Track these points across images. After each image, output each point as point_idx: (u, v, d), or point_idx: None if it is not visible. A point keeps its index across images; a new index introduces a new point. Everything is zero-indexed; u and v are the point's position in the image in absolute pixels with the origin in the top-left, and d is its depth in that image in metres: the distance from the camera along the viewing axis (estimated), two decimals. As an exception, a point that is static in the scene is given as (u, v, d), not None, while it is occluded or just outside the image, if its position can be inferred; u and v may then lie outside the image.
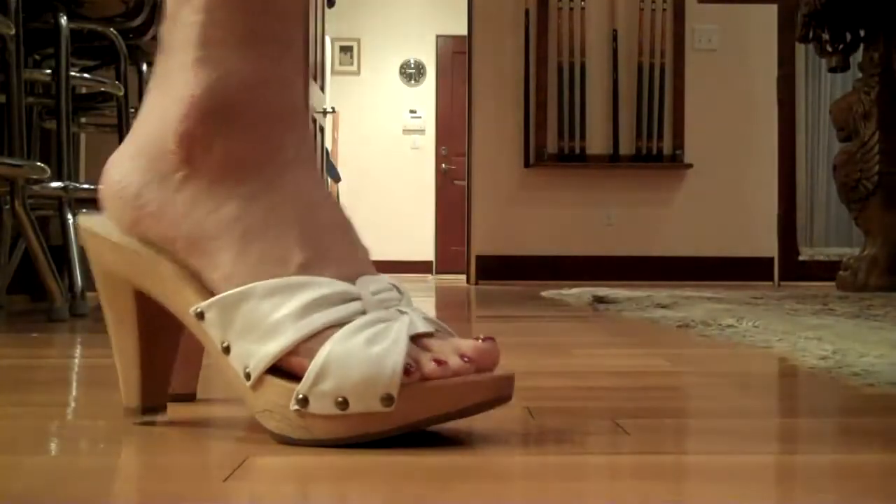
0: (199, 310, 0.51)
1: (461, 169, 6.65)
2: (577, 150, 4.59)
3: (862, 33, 3.08)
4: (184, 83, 0.53)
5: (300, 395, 0.48)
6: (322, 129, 5.22)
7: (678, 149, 4.61)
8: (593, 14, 4.64)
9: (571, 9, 4.62)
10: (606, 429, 0.55)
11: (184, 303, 0.53)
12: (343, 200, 7.64)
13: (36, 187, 1.77)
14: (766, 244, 4.57)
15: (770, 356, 0.99)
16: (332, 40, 7.43)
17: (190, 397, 0.63)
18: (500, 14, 4.62)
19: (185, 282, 0.53)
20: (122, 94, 2.11)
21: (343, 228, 0.55)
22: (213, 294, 0.52)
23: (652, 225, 4.63)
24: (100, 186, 0.56)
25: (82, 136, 3.56)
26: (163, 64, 0.55)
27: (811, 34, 3.12)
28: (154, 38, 2.18)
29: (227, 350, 0.51)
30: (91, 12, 2.03)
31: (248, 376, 0.50)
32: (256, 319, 0.50)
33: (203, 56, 0.53)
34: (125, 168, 0.55)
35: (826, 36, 3.11)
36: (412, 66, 7.97)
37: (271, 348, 0.49)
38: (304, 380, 0.49)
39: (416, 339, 0.50)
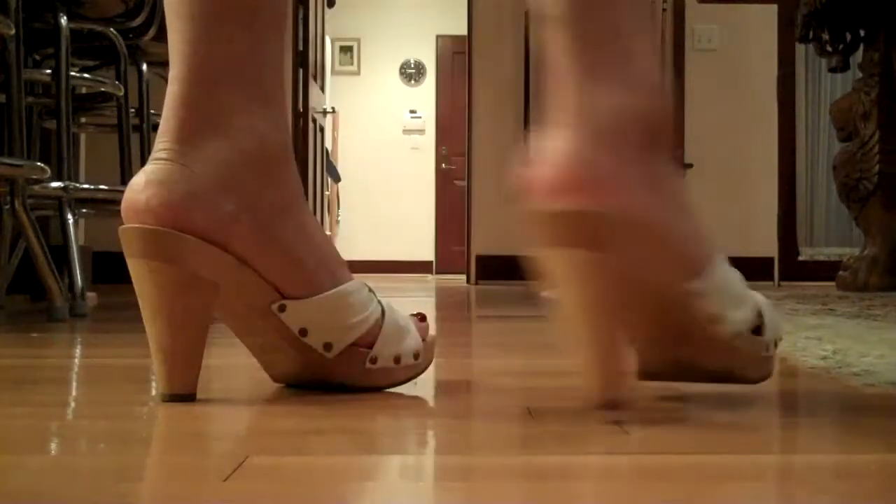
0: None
1: (461, 169, 6.65)
2: (577, 150, 4.58)
3: (862, 33, 3.09)
4: (647, 71, 0.61)
5: None
6: (322, 129, 5.23)
7: (678, 149, 4.61)
8: (593, 14, 4.64)
9: (571, 9, 4.62)
10: (606, 429, 0.54)
11: (662, 271, 0.64)
12: (343, 200, 7.65)
13: (36, 187, 1.77)
14: (766, 244, 4.57)
15: (770, 356, 0.99)
16: (332, 40, 7.43)
17: (190, 397, 0.63)
18: (500, 14, 4.62)
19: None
20: (122, 94, 2.11)
21: None
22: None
23: (652, 225, 4.62)
24: (564, 173, 0.62)
25: (82, 136, 3.57)
26: (605, 51, 0.61)
27: (811, 34, 3.12)
28: (154, 38, 2.18)
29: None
30: (91, 12, 2.03)
31: None
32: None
33: (650, 49, 0.62)
34: (601, 149, 0.60)
35: (826, 36, 3.11)
36: (412, 66, 7.97)
37: None
38: None
39: None
